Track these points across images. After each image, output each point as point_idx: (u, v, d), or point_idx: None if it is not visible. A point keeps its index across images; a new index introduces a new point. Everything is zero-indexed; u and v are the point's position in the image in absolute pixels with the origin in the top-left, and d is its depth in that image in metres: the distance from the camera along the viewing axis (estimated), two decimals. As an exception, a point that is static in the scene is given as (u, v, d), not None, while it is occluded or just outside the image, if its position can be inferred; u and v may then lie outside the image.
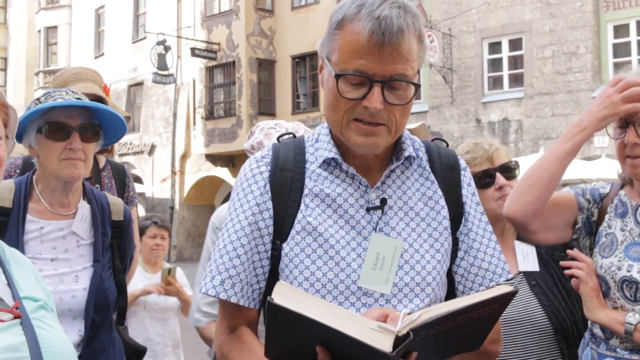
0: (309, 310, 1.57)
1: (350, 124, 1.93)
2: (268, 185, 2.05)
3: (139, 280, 5.98)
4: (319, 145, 2.10)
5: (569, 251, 2.76)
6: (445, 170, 2.14)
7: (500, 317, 2.98)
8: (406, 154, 2.06)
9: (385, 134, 1.93)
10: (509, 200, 2.78)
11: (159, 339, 6.02)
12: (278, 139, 2.20)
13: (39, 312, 1.97)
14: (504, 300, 1.74)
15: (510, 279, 3.05)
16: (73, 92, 2.97)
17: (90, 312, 2.88)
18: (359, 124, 1.92)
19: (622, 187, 2.81)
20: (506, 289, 1.71)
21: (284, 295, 1.61)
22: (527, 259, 3.12)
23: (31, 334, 1.86)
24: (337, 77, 1.89)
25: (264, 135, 3.53)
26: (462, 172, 2.17)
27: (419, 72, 1.98)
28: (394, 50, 1.84)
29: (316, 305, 1.61)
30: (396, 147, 2.10)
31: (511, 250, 3.14)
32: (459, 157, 2.21)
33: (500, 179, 3.13)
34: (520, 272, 3.09)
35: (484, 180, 3.13)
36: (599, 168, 14.49)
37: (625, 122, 2.61)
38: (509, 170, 3.17)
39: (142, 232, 6.22)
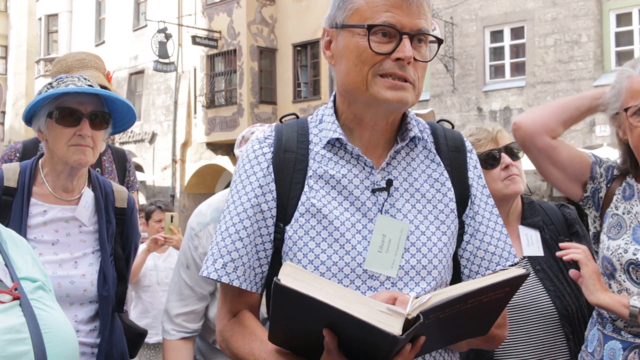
0: (317, 292, 1.54)
1: (376, 80, 1.91)
2: (271, 166, 2.02)
3: (148, 259, 6.60)
4: (323, 125, 2.06)
5: (562, 244, 2.74)
6: (452, 152, 2.12)
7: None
8: (411, 134, 2.03)
9: (411, 91, 1.93)
10: (523, 114, 2.91)
11: None
12: (281, 119, 2.18)
13: (38, 292, 1.96)
14: (516, 283, 1.71)
15: (515, 264, 3.05)
16: (85, 78, 2.98)
17: (108, 301, 2.91)
18: (387, 79, 1.90)
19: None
20: (518, 271, 1.68)
21: (290, 277, 1.58)
22: (532, 243, 3.11)
23: (31, 315, 1.85)
24: (370, 28, 1.89)
25: None
26: (469, 154, 2.15)
27: None
28: (418, 4, 1.89)
29: (324, 287, 1.59)
30: (401, 127, 2.07)
31: (515, 235, 3.13)
32: (465, 139, 2.19)
33: (505, 158, 3.12)
34: (524, 257, 3.08)
35: (489, 160, 3.11)
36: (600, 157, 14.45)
37: None
38: (513, 151, 3.16)
39: (148, 216, 6.96)
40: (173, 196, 29.12)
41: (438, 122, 2.23)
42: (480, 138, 3.15)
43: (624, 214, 2.66)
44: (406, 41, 1.88)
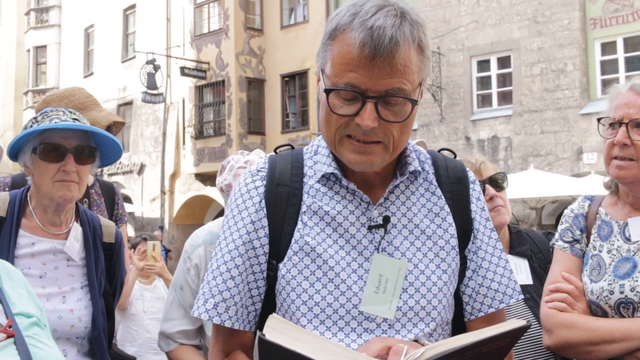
0: (303, 346, 1.50)
1: (343, 141, 1.82)
2: (263, 201, 1.93)
3: (135, 288, 6.85)
4: (318, 158, 1.98)
5: (563, 274, 2.71)
6: (453, 184, 2.02)
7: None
8: (411, 168, 1.94)
9: (382, 152, 1.82)
10: (562, 330, 2.57)
11: None
12: (275, 150, 2.10)
13: (33, 329, 1.93)
14: (516, 334, 1.66)
15: (520, 300, 3.04)
16: (71, 111, 2.94)
17: (101, 340, 2.89)
18: (352, 141, 1.80)
19: (601, 203, 2.78)
20: (518, 323, 1.63)
21: (277, 331, 1.54)
22: (520, 272, 3.11)
23: (25, 353, 1.82)
24: (328, 92, 1.78)
25: (232, 177, 3.39)
26: (471, 186, 2.05)
27: (420, 84, 1.86)
28: (386, 63, 1.71)
29: (311, 341, 1.55)
30: (400, 162, 1.97)
31: None
32: (467, 169, 2.09)
33: (490, 189, 3.13)
34: None
35: None
36: (588, 185, 14.54)
37: (619, 123, 2.56)
38: (497, 183, 3.17)
39: (134, 248, 7.21)
40: (162, 227, 28.99)
41: (439, 151, 2.13)
42: None
43: (602, 254, 2.63)
44: (369, 106, 1.74)
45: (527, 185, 15.50)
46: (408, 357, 1.55)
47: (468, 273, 1.99)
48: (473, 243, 2.00)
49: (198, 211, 28.83)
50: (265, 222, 1.92)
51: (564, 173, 18.54)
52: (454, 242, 1.95)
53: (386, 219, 1.90)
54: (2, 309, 1.91)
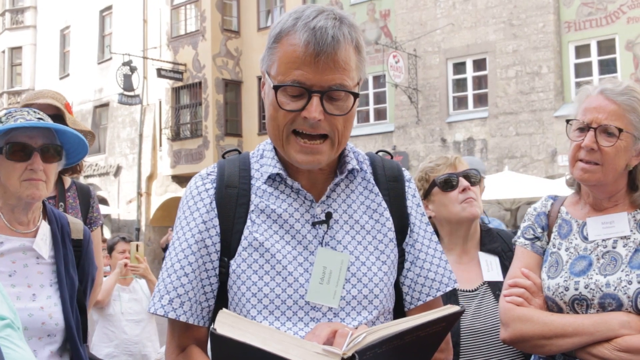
0: (253, 338, 1.57)
1: (290, 139, 1.94)
2: (214, 202, 2.06)
3: (114, 290, 6.84)
4: (264, 161, 2.10)
5: (522, 270, 2.76)
6: (390, 182, 2.17)
7: (467, 327, 3.02)
8: (349, 167, 2.08)
9: (328, 148, 1.95)
10: (517, 324, 2.63)
11: (137, 339, 6.80)
12: (223, 155, 2.21)
13: (5, 330, 1.94)
14: (452, 319, 1.75)
15: (475, 290, 3.10)
16: (35, 111, 2.97)
17: (74, 336, 2.89)
18: (298, 141, 1.93)
19: (563, 203, 2.84)
20: (453, 308, 1.72)
21: (227, 325, 1.60)
22: (492, 269, 3.16)
23: None
24: (276, 88, 1.90)
25: None
26: (407, 184, 2.20)
27: (359, 83, 1.99)
28: (329, 60, 1.85)
29: (260, 333, 1.61)
30: (340, 161, 2.11)
31: (475, 261, 3.19)
32: (403, 169, 2.23)
33: (463, 181, 3.20)
34: (485, 282, 3.13)
35: (447, 182, 3.18)
36: (562, 186, 14.64)
37: (587, 127, 2.62)
38: (470, 177, 3.24)
39: (111, 248, 7.23)
40: (138, 229, 28.89)
41: (377, 152, 2.27)
42: (440, 163, 3.24)
43: (561, 251, 2.69)
44: (315, 99, 1.87)
45: (502, 187, 15.62)
46: (350, 342, 1.62)
47: (406, 265, 2.12)
48: (410, 237, 2.14)
49: (175, 213, 28.36)
50: (216, 221, 2.04)
51: (538, 175, 18.70)
52: (392, 235, 2.09)
53: (328, 215, 2.03)
54: (-23, 311, 1.92)
